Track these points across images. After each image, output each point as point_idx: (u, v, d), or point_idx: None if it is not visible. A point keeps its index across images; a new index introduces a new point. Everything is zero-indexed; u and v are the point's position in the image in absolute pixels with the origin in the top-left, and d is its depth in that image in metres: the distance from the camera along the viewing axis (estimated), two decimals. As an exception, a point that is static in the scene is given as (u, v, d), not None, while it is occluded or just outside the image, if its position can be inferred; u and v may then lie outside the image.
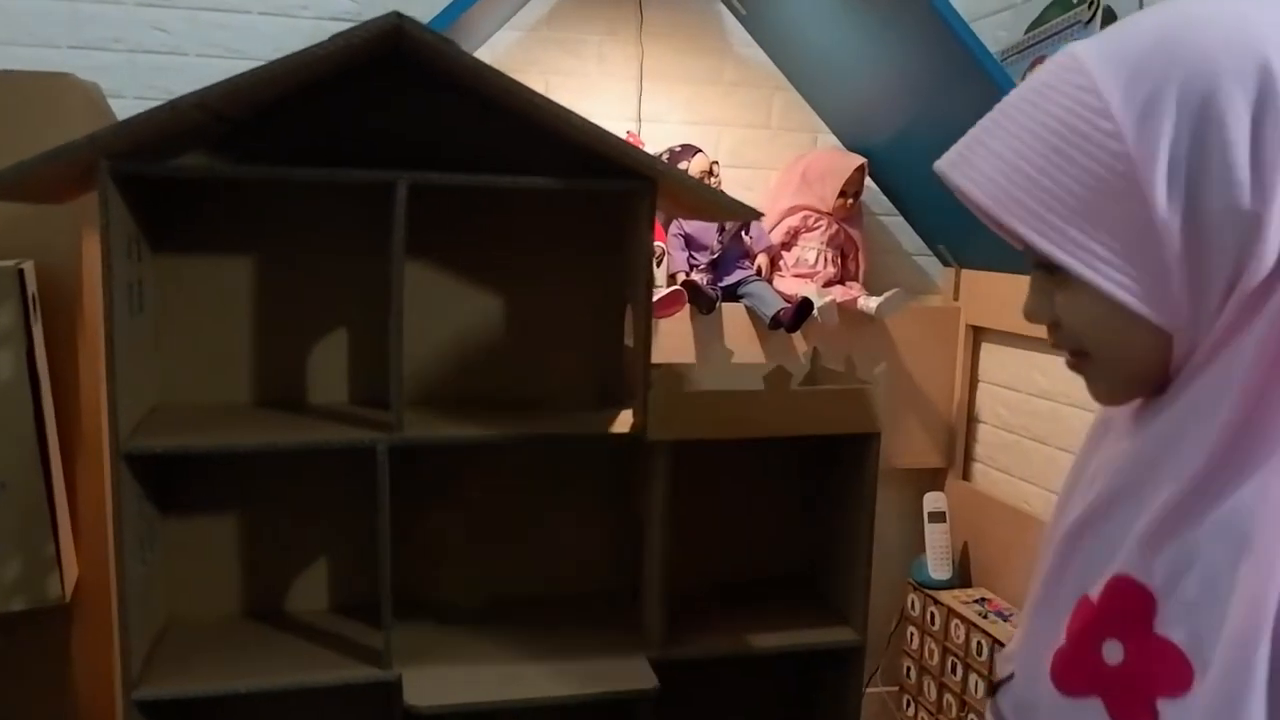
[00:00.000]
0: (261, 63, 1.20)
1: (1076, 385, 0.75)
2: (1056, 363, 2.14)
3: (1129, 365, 0.70)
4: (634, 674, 1.38)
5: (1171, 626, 0.64)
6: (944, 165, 0.71)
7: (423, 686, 1.34)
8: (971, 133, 0.71)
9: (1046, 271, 0.70)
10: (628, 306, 1.55)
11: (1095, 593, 0.69)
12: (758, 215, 1.33)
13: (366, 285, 1.48)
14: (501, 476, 1.58)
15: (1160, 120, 0.62)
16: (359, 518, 1.51)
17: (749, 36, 2.35)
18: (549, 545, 1.61)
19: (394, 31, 1.18)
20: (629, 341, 1.54)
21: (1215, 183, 0.62)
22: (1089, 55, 0.65)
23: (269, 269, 1.47)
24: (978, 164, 0.68)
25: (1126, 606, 0.67)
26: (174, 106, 1.17)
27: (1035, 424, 2.17)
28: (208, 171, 1.35)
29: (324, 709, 1.46)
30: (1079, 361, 0.73)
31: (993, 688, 0.83)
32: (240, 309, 1.47)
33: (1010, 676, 0.80)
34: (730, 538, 1.67)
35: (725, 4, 2.31)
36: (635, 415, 1.43)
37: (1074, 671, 0.70)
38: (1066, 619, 0.71)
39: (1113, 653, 0.67)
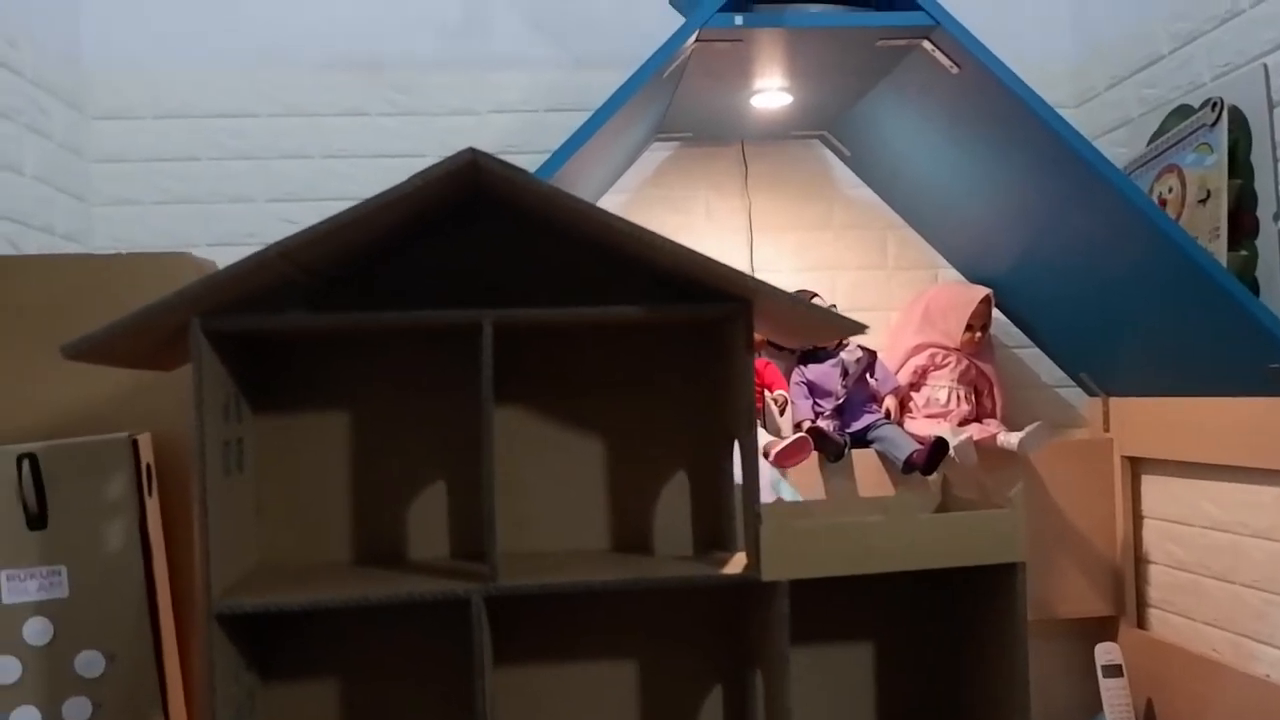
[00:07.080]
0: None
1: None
2: (1229, 490, 1.94)
3: None
4: None
5: None
6: None
7: None
8: None
9: None
10: (733, 442, 1.47)
11: None
12: (863, 328, 1.25)
13: (464, 434, 1.45)
14: (603, 633, 1.48)
15: None
16: (460, 680, 1.43)
17: (855, 178, 2.32)
18: (658, 707, 1.48)
19: (469, 166, 1.19)
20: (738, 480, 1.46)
21: None
22: None
23: (366, 423, 1.46)
24: None
25: None
26: (259, 257, 1.20)
27: (1213, 559, 1.93)
28: (290, 323, 1.35)
29: None
30: None
31: None
32: (339, 464, 1.45)
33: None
34: (857, 691, 1.51)
35: (828, 147, 2.30)
36: (748, 556, 1.33)
37: None
38: None
39: None
